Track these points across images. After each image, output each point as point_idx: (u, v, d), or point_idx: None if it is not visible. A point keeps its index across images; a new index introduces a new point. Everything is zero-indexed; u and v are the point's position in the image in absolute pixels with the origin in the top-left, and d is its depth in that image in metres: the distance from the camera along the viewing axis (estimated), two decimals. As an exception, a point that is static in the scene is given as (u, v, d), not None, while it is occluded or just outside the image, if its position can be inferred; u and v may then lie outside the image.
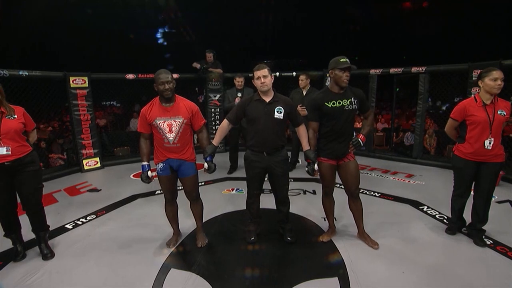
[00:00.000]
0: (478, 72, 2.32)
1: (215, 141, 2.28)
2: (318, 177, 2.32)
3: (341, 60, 2.07)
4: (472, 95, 2.33)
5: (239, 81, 4.24)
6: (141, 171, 2.25)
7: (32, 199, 2.20)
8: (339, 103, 2.12)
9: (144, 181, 2.23)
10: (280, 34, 10.87)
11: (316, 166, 2.22)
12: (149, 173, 2.23)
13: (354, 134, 2.27)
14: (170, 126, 2.14)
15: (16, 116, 2.12)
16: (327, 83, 5.85)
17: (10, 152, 2.04)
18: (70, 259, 2.25)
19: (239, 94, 4.20)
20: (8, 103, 2.13)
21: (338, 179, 2.32)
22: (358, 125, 6.00)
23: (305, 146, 2.27)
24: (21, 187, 2.15)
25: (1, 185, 2.08)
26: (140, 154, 2.28)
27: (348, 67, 2.05)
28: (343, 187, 2.33)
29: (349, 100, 2.13)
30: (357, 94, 2.18)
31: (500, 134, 2.21)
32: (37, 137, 2.46)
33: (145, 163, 2.23)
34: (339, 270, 2.04)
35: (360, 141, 2.17)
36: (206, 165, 2.25)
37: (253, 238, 2.42)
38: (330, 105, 2.12)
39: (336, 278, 1.95)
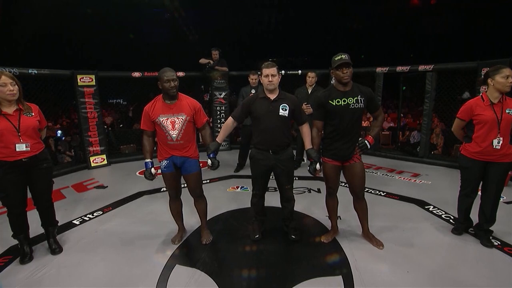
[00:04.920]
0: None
1: (219, 138, 2.28)
2: (321, 175, 2.29)
3: (336, 58, 2.02)
4: (480, 94, 2.29)
5: (253, 78, 4.25)
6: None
7: (45, 195, 2.27)
8: (344, 101, 2.06)
9: (147, 178, 2.24)
10: (284, 33, 10.84)
11: (318, 166, 2.18)
12: (153, 170, 2.24)
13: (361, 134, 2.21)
14: (173, 124, 2.16)
15: (33, 113, 2.16)
16: (333, 81, 5.83)
17: (29, 149, 2.08)
18: (77, 254, 2.29)
19: (253, 91, 4.19)
20: (24, 101, 2.16)
21: (342, 178, 2.29)
22: (364, 123, 5.93)
23: (307, 145, 2.25)
24: (36, 183, 2.19)
25: (17, 181, 2.10)
26: (143, 152, 2.30)
27: (342, 63, 1.98)
28: (348, 186, 2.32)
29: (355, 98, 2.06)
30: (364, 92, 2.11)
31: (509, 133, 2.18)
32: (46, 135, 2.50)
33: (148, 160, 2.25)
34: (343, 268, 2.04)
35: (367, 143, 2.12)
36: (209, 161, 2.24)
37: (257, 236, 2.43)
38: (334, 103, 2.07)
39: (340, 277, 1.95)
